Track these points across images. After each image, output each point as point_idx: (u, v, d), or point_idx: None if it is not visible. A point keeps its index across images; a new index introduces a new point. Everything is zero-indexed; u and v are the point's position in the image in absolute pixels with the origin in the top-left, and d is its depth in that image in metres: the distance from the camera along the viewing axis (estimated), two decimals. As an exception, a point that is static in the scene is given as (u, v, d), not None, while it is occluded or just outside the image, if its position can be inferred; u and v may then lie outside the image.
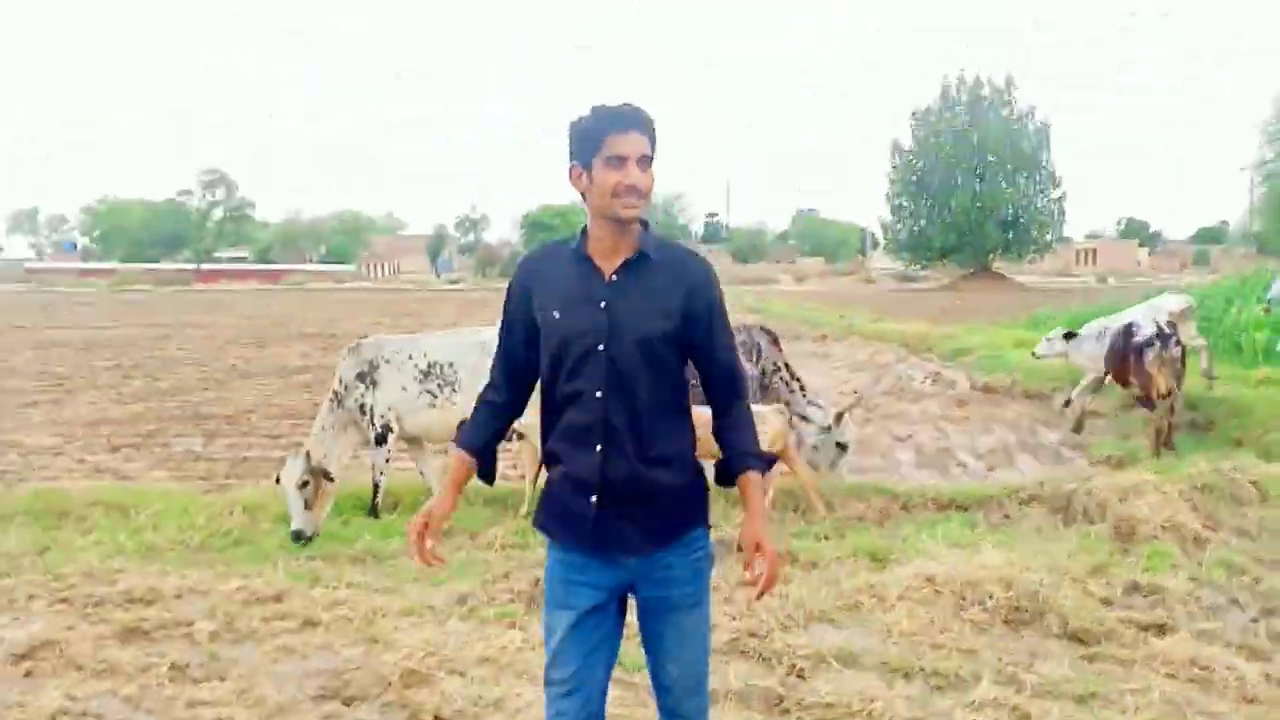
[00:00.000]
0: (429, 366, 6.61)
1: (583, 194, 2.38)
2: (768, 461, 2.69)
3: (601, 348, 2.34)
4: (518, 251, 74.54)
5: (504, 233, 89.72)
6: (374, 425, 6.51)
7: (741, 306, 30.32)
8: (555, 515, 2.48)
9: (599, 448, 2.35)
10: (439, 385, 6.56)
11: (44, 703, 3.69)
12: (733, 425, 2.49)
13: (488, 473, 2.62)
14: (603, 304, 2.36)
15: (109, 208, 77.67)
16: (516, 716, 3.75)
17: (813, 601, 4.69)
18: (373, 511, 6.61)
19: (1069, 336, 9.96)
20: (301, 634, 4.62)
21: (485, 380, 2.65)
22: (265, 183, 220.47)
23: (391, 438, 6.62)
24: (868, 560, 5.40)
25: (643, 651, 2.57)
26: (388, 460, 6.64)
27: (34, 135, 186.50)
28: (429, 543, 2.53)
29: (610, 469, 2.36)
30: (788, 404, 7.88)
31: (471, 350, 6.49)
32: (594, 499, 2.36)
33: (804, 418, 7.65)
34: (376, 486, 6.64)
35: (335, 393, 6.58)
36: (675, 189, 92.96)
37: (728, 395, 2.49)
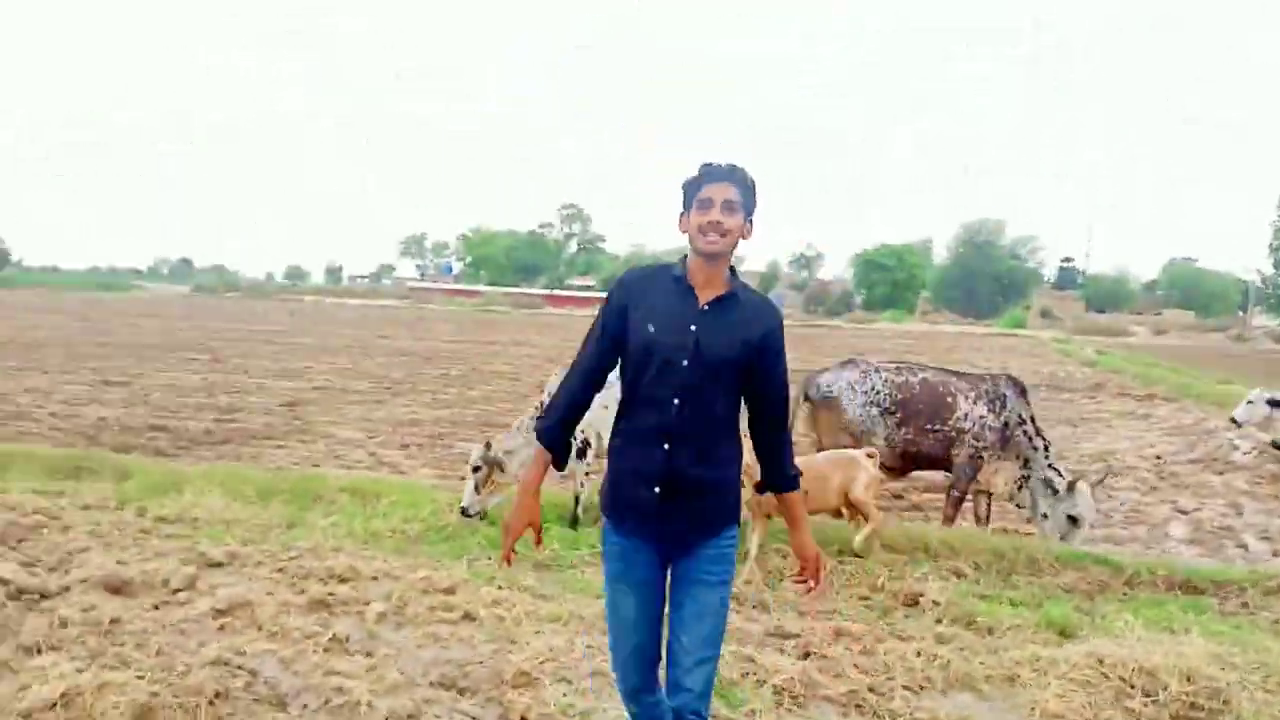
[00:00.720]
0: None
1: (687, 235, 2.90)
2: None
3: (685, 363, 2.84)
4: (849, 291, 73.71)
5: (837, 270, 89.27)
6: (574, 439, 6.84)
7: (1077, 358, 27.68)
8: (620, 502, 2.99)
9: (666, 447, 2.85)
10: None
11: (209, 652, 4.32)
12: (780, 448, 3.03)
13: (560, 462, 3.13)
14: (693, 327, 2.86)
15: (481, 236, 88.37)
16: (593, 729, 3.80)
17: (963, 666, 4.28)
18: (572, 522, 6.94)
19: (1276, 404, 8.19)
20: (456, 626, 4.97)
21: None
22: (612, 216, 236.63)
23: (590, 452, 6.99)
24: (1051, 633, 4.81)
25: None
26: (587, 474, 6.97)
27: (418, 167, 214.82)
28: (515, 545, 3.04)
29: (673, 467, 2.84)
30: (1027, 460, 7.35)
31: None
32: (657, 490, 2.86)
33: (1043, 481, 7.05)
34: (576, 498, 6.99)
35: (542, 402, 7.05)
36: (1028, 230, 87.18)
37: (778, 424, 3.02)
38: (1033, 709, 3.89)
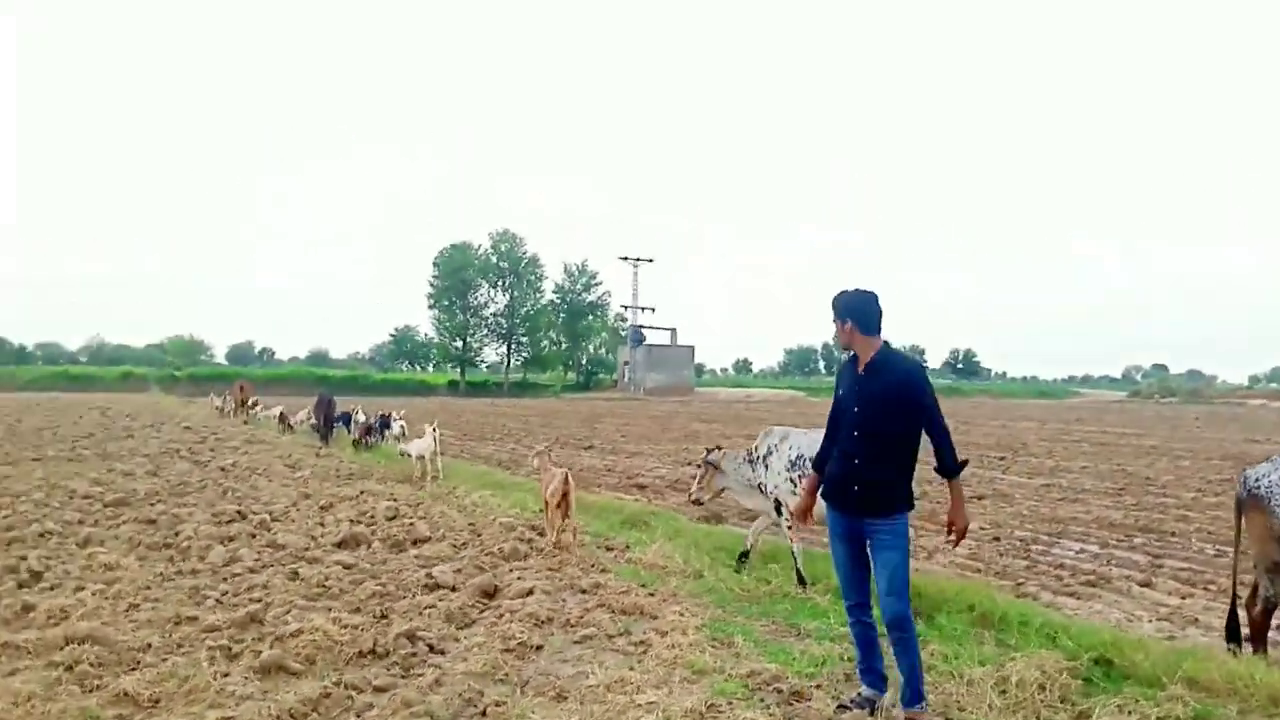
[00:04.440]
0: (796, 458, 7.68)
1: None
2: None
3: (856, 409, 4.70)
4: None
5: None
6: (766, 496, 8.00)
7: None
8: (830, 492, 4.91)
9: (856, 461, 4.68)
10: (801, 475, 7.49)
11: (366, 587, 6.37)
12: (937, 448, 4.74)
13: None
14: (857, 386, 4.74)
15: None
16: None
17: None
18: (799, 580, 7.51)
19: None
20: (586, 644, 5.98)
21: None
22: None
23: (785, 511, 7.69)
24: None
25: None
26: (789, 528, 7.76)
27: None
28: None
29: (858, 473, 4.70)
30: None
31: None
32: (856, 488, 4.67)
33: None
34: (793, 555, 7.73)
35: (752, 449, 8.29)
36: None
37: (942, 442, 4.70)
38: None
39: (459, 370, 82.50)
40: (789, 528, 7.73)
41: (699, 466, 8.65)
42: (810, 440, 7.76)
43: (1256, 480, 5.93)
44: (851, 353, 4.82)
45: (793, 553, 7.64)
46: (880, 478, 4.62)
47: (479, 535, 9.53)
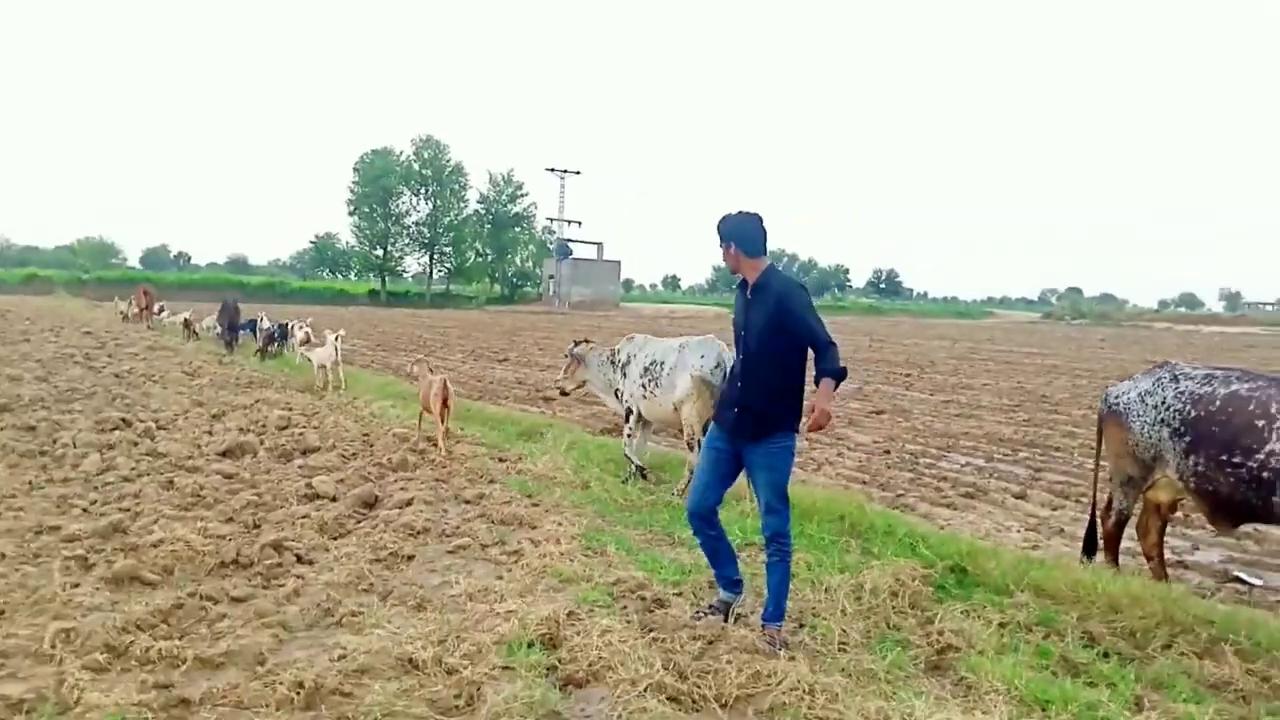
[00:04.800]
0: (649, 364, 8.04)
1: None
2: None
3: (744, 332, 4.69)
4: None
5: None
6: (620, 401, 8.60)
7: None
8: (720, 413, 4.99)
9: (739, 385, 4.71)
10: (651, 381, 8.01)
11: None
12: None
13: None
14: (745, 309, 4.72)
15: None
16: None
17: None
18: (641, 474, 8.21)
19: None
20: (459, 554, 5.92)
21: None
22: None
23: (633, 419, 8.28)
24: None
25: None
26: (628, 435, 8.33)
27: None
28: None
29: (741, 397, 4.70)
30: None
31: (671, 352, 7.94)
32: (736, 411, 4.69)
33: None
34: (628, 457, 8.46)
35: (614, 351, 8.71)
36: None
37: (822, 353, 4.48)
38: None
39: (380, 280, 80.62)
40: (629, 435, 8.15)
41: (567, 356, 9.20)
42: (666, 349, 7.93)
43: (1116, 397, 6.12)
44: (740, 276, 4.78)
45: (628, 455, 8.17)
46: (761, 404, 4.63)
47: (371, 446, 9.40)
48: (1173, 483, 5.70)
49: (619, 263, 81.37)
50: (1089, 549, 6.15)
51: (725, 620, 4.74)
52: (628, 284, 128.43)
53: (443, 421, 9.11)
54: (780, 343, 4.59)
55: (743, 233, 4.70)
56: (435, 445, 9.10)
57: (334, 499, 7.13)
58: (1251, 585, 6.35)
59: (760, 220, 4.74)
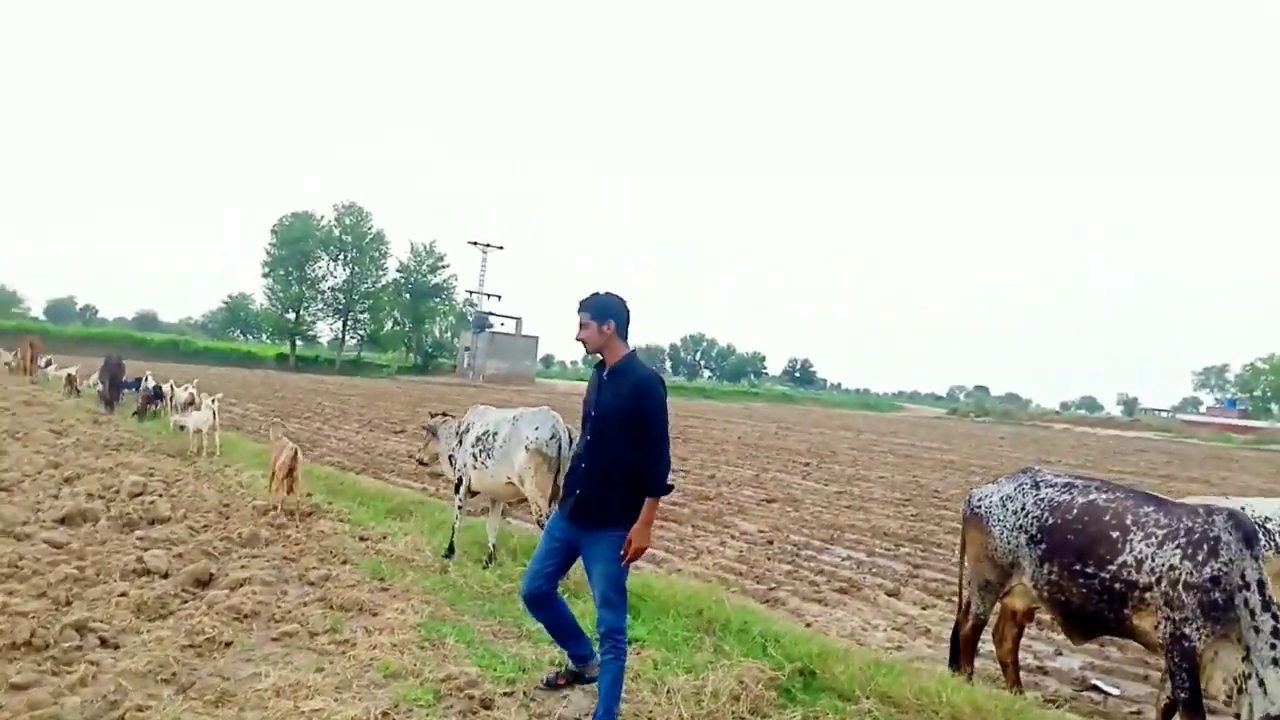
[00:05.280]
0: (482, 434, 7.92)
1: None
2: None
3: (594, 414, 4.58)
4: None
5: None
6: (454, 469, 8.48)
7: None
8: (561, 499, 4.88)
9: (583, 466, 4.59)
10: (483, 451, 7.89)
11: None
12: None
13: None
14: (600, 391, 4.62)
15: (1274, 365, 73.79)
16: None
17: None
18: (449, 550, 8.01)
19: None
20: (284, 641, 5.47)
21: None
22: None
23: (462, 489, 8.17)
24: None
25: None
26: (459, 506, 8.22)
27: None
28: None
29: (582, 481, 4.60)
30: (1249, 648, 4.54)
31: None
32: (578, 492, 4.57)
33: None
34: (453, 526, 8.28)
35: (453, 416, 8.81)
36: None
37: (654, 457, 4.42)
38: None
39: (290, 344, 78.66)
40: (459, 506, 8.10)
41: (424, 429, 9.27)
42: (500, 419, 7.86)
43: (979, 500, 6.08)
44: (600, 358, 4.69)
45: (454, 525, 8.13)
46: (600, 491, 4.50)
47: (226, 518, 8.85)
48: (1028, 590, 5.64)
49: (537, 338, 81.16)
50: (955, 656, 6.03)
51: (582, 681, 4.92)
52: (548, 359, 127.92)
53: (288, 491, 8.97)
54: (629, 432, 4.45)
55: (620, 312, 4.63)
56: (292, 517, 8.78)
57: (165, 575, 6.61)
58: (1108, 694, 6.29)
59: (628, 304, 4.70)
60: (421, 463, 9.46)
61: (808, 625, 7.00)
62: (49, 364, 29.91)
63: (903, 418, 69.52)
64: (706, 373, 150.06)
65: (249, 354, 76.79)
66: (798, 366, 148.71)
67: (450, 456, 8.31)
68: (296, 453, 9.00)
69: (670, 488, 4.52)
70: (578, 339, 4.66)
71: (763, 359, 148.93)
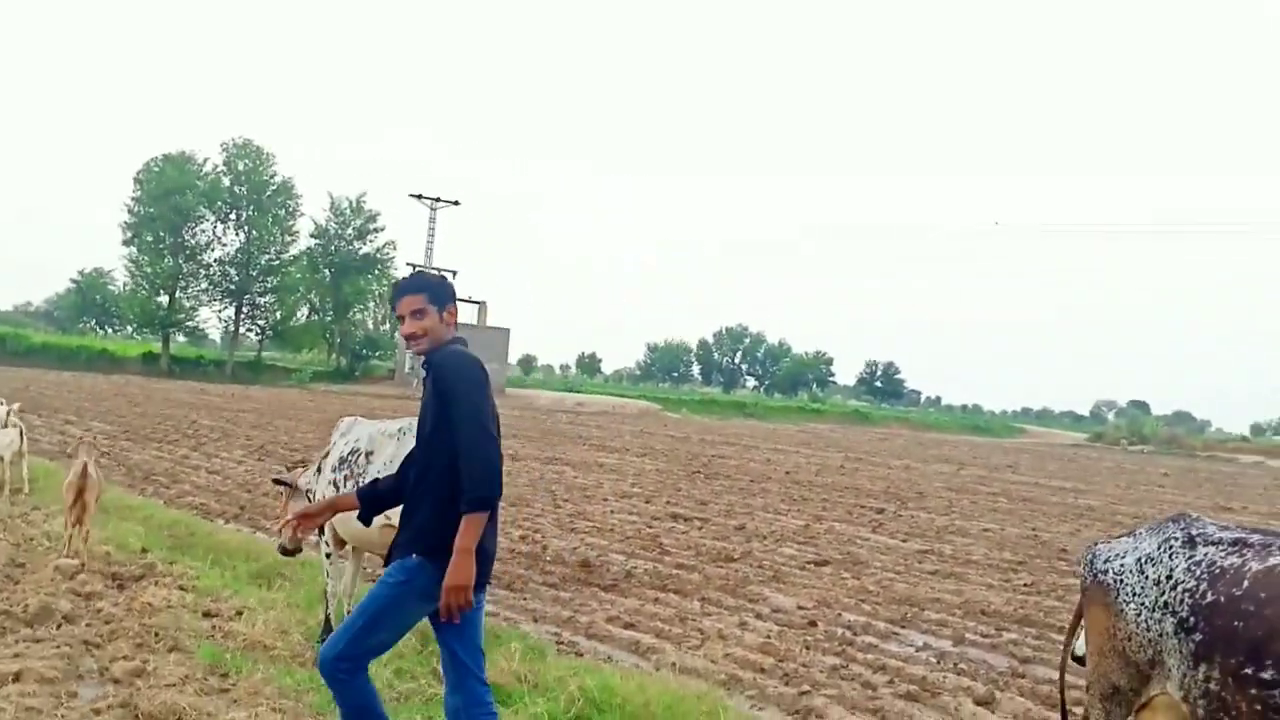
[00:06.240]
0: (348, 453, 7.86)
1: None
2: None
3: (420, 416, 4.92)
4: None
5: None
6: None
7: None
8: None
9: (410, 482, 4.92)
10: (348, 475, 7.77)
11: None
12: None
13: None
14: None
15: None
16: None
17: None
18: (325, 630, 7.75)
19: None
20: None
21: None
22: None
23: (328, 534, 8.07)
24: None
25: None
26: (327, 556, 8.13)
27: None
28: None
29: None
30: None
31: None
32: (401, 522, 4.90)
33: None
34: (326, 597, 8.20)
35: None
36: None
37: (468, 453, 4.52)
38: None
39: (162, 339, 78.13)
40: (328, 557, 7.93)
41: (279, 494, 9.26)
42: (376, 433, 7.81)
43: (1106, 561, 5.73)
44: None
45: (326, 594, 7.96)
46: (417, 513, 4.74)
47: (16, 583, 8.64)
48: (1175, 705, 5.27)
49: (508, 331, 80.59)
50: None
51: None
52: (527, 362, 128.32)
53: (79, 523, 9.16)
54: (441, 426, 4.65)
55: (453, 296, 4.99)
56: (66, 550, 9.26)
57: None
58: None
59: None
60: (286, 551, 8.51)
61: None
62: None
63: (1025, 445, 69.42)
64: (750, 381, 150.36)
65: (103, 352, 76.89)
66: (878, 373, 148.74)
67: (308, 491, 8.03)
68: (86, 468, 9.16)
69: (492, 499, 4.55)
70: (409, 333, 4.83)
71: (829, 362, 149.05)
